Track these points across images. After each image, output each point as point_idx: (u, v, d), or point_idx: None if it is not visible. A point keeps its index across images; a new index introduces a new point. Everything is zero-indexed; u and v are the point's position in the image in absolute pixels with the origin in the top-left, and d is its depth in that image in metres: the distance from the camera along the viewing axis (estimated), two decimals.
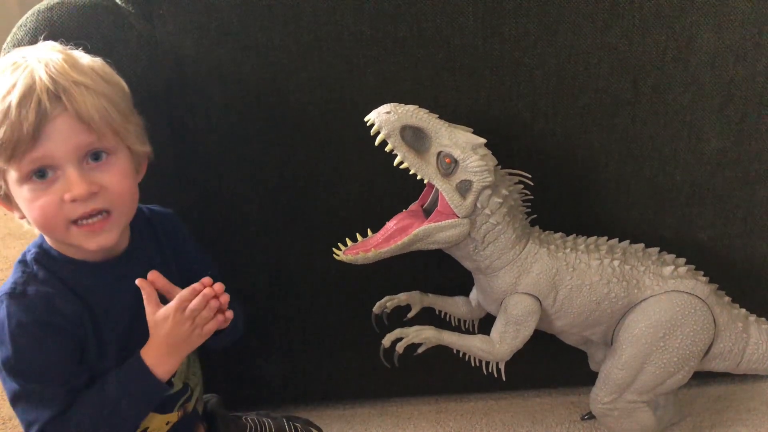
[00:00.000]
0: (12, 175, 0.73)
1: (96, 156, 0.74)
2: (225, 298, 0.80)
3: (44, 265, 0.78)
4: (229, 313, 0.81)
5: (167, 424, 0.87)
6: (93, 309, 0.78)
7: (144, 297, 0.79)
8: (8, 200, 0.77)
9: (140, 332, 0.79)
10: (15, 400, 0.76)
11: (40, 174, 0.72)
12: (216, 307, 0.79)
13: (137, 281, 0.79)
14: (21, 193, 0.74)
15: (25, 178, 0.72)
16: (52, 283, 0.77)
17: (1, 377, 0.77)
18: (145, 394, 0.79)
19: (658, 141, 1.04)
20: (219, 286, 0.79)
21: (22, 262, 0.79)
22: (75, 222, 0.74)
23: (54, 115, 0.70)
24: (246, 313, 0.93)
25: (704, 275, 1.01)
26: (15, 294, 0.75)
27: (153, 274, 0.80)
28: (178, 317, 0.77)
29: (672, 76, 1.00)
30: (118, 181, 0.75)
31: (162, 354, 0.78)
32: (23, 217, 0.77)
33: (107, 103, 0.73)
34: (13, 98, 0.69)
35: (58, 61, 0.73)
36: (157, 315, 0.78)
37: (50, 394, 0.76)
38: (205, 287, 0.79)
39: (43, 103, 0.70)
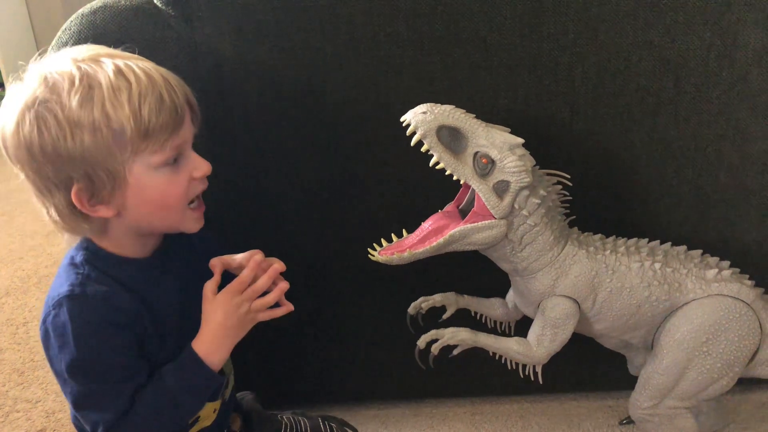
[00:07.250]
0: (144, 163, 0.73)
1: None
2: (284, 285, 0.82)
3: (95, 266, 0.78)
4: (285, 284, 0.82)
5: (214, 411, 0.89)
6: (148, 302, 0.79)
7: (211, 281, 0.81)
8: (107, 199, 0.74)
9: (192, 321, 0.80)
10: (78, 402, 0.76)
11: (174, 160, 0.76)
12: (283, 290, 0.81)
13: (211, 261, 0.82)
14: (152, 181, 0.75)
15: (162, 165, 0.75)
16: (106, 282, 0.77)
17: (61, 382, 0.76)
18: (202, 386, 0.80)
19: (701, 141, 1.02)
20: (280, 265, 0.82)
21: (72, 264, 0.78)
22: (189, 204, 0.79)
23: (185, 102, 0.76)
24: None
25: (750, 279, 0.98)
26: (75, 295, 0.74)
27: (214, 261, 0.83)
28: (236, 300, 0.79)
29: (716, 73, 0.97)
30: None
31: (214, 341, 0.79)
32: (115, 213, 0.75)
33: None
34: (161, 88, 0.73)
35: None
36: (215, 300, 0.80)
37: (114, 392, 0.76)
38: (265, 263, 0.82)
39: (183, 88, 0.76)
